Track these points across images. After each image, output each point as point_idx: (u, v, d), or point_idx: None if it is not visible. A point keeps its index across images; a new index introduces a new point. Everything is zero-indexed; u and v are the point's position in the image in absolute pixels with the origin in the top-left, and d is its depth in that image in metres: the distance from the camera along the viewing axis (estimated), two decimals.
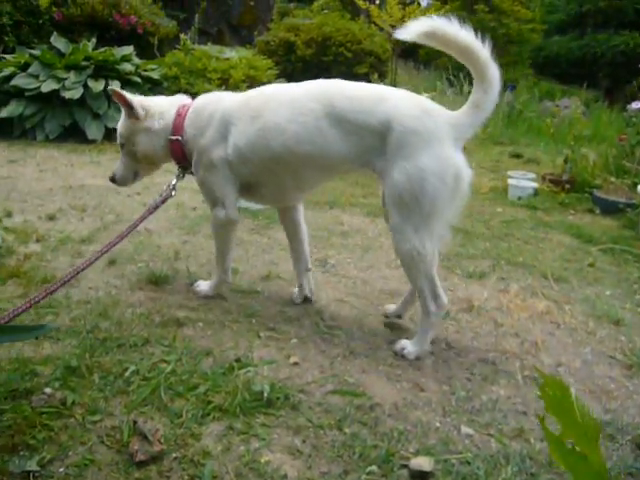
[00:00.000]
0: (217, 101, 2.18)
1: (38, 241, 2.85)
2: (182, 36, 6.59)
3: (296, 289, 2.38)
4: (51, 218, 3.25)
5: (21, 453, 1.31)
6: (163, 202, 2.26)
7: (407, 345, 1.97)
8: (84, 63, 5.63)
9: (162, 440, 1.38)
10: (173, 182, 2.29)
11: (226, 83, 6.33)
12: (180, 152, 2.22)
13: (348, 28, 7.26)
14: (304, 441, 1.46)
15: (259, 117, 2.00)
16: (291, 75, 7.08)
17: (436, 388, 1.78)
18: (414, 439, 1.51)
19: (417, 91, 2.31)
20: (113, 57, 5.82)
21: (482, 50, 1.76)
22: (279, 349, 1.95)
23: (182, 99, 2.34)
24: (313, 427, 1.52)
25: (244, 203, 3.78)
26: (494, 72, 1.79)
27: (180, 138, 2.19)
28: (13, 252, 2.66)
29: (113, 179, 2.40)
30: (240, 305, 2.31)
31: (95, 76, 5.60)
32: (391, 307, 2.29)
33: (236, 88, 6.11)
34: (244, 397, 1.60)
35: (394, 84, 5.53)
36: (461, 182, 1.81)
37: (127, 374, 1.69)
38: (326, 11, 9.72)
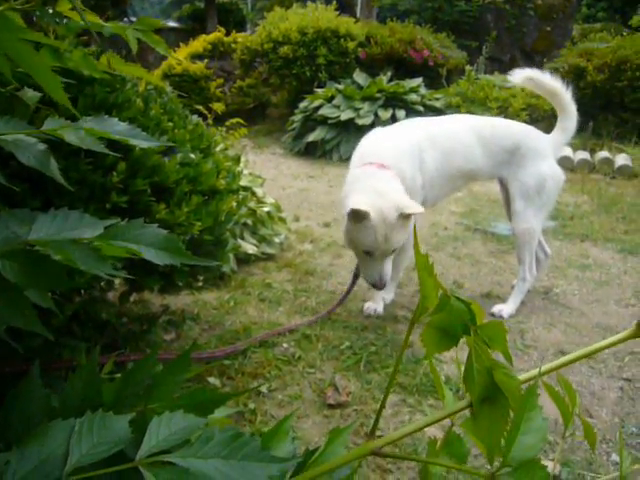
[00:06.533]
0: (402, 136, 2.50)
1: (312, 242, 3.62)
2: (467, 67, 7.02)
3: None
4: (326, 225, 4.02)
5: (259, 380, 1.93)
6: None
7: (503, 307, 2.64)
8: (377, 95, 6.51)
9: (349, 395, 1.84)
10: None
11: (505, 111, 6.53)
12: None
13: None
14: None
15: (436, 144, 2.50)
16: (579, 102, 6.87)
17: (607, 418, 1.86)
18: (558, 450, 1.67)
19: None
20: (402, 89, 6.58)
21: (566, 93, 2.57)
22: None
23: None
24: None
25: (490, 228, 4.06)
26: (573, 108, 2.61)
27: None
28: (292, 248, 3.46)
29: None
30: None
31: (385, 106, 6.43)
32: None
33: (516, 116, 6.26)
34: (422, 381, 1.97)
35: None
36: (561, 183, 2.61)
37: (342, 347, 2.22)
38: None
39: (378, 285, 2.24)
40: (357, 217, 2.11)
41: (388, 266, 2.25)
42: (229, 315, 2.48)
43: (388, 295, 2.72)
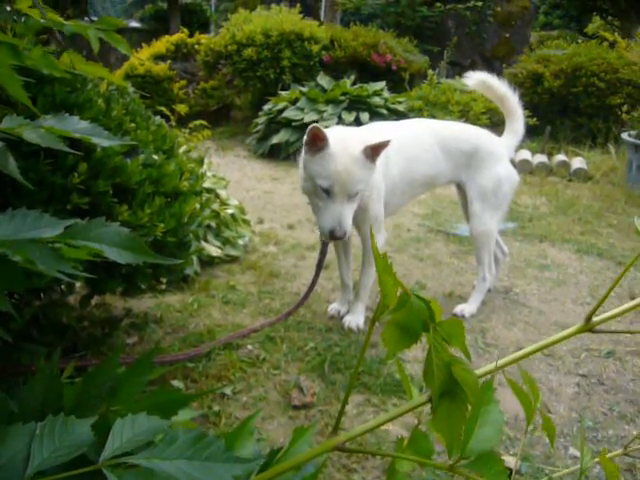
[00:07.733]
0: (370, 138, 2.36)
1: (276, 244, 3.61)
2: (429, 71, 7.13)
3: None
4: (290, 227, 4.02)
5: (223, 382, 1.92)
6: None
7: (464, 307, 2.67)
8: (341, 97, 6.54)
9: (314, 396, 1.85)
10: None
11: (466, 115, 6.66)
12: None
13: (603, 57, 6.94)
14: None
15: (400, 150, 2.41)
16: (536, 107, 7.06)
17: (565, 413, 1.92)
18: (519, 445, 1.72)
19: None
20: (366, 92, 6.62)
21: (513, 97, 2.66)
22: None
23: None
24: None
25: (452, 230, 4.13)
26: (520, 112, 2.69)
27: None
28: (256, 250, 3.45)
29: None
30: None
31: (349, 109, 6.46)
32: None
33: (476, 120, 6.39)
34: (386, 381, 1.99)
35: None
36: (515, 184, 2.67)
37: (307, 348, 2.22)
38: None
39: (337, 231, 1.97)
40: (316, 145, 1.96)
41: (349, 214, 2.00)
42: (193, 318, 2.45)
43: (359, 318, 2.48)
